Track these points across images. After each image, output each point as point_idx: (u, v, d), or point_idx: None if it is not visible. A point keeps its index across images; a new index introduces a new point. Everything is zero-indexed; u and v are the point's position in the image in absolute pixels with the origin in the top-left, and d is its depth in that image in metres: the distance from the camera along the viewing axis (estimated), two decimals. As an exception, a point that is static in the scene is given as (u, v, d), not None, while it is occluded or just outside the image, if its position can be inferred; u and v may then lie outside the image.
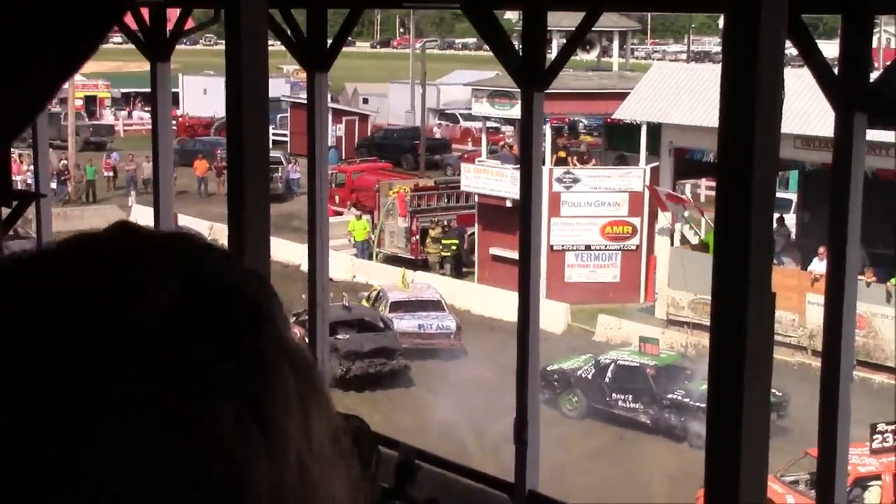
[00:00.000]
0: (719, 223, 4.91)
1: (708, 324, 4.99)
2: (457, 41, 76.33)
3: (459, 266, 25.13)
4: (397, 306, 20.37)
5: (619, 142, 24.82)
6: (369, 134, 39.93)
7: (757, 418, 4.73)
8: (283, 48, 10.34)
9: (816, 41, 7.01)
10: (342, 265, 23.47)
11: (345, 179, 30.06)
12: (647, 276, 22.44)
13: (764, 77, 4.51)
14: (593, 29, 12.10)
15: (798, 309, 18.58)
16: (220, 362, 0.48)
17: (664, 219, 21.63)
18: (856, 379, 8.10)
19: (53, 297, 0.49)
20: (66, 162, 32.48)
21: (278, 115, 37.00)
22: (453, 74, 45.68)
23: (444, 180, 28.86)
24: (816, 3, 7.56)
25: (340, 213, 27.58)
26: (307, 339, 11.17)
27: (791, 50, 6.67)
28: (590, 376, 17.33)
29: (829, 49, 7.36)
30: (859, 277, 8.67)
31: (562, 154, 24.18)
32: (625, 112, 22.93)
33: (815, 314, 16.22)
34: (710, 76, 19.08)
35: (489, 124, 27.50)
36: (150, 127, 11.93)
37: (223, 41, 7.13)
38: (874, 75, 7.01)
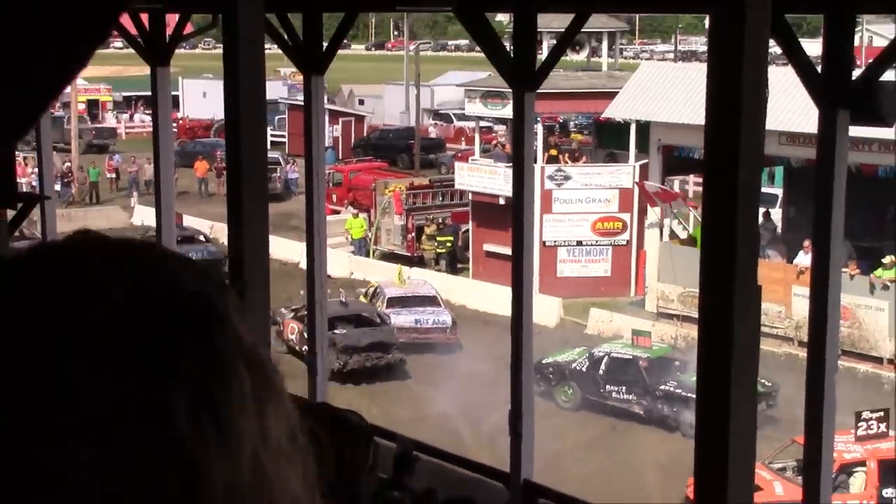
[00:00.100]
0: (706, 219, 4.92)
1: (697, 316, 5.01)
2: (450, 43, 76.30)
3: (454, 262, 25.13)
4: (394, 302, 20.37)
5: (608, 140, 24.83)
6: (365, 134, 39.89)
7: (744, 408, 4.74)
8: (279, 52, 10.32)
9: (800, 40, 7.01)
10: (340, 262, 23.46)
11: (342, 179, 30.03)
12: (637, 271, 22.46)
13: (749, 76, 4.52)
14: (582, 30, 12.11)
15: (784, 301, 18.61)
16: (176, 361, 0.48)
17: (653, 214, 21.64)
18: (841, 368, 8.12)
19: (11, 300, 0.49)
20: (69, 164, 32.43)
21: (276, 117, 36.93)
22: (447, 75, 45.65)
23: (438, 179, 28.85)
24: (799, 3, 7.56)
25: (338, 212, 27.57)
26: (306, 334, 11.16)
27: (775, 49, 6.68)
28: (584, 369, 17.35)
29: (813, 48, 7.37)
30: (843, 270, 8.69)
31: (553, 152, 24.17)
32: (614, 111, 22.93)
33: (800, 306, 16.25)
34: (697, 75, 19.09)
35: (482, 124, 27.51)
36: (151, 129, 11.90)
37: (221, 45, 7.12)
38: (856, 73, 7.02)
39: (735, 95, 4.53)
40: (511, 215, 8.64)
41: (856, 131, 7.15)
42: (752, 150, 4.61)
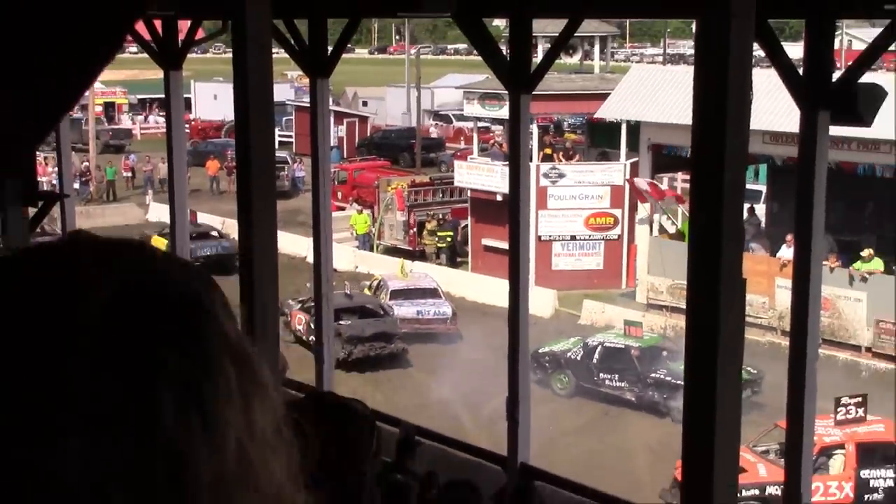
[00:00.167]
0: (694, 215, 4.92)
1: (685, 307, 5.01)
2: (449, 47, 76.14)
3: (454, 256, 25.13)
4: (397, 294, 20.38)
5: (600, 139, 24.82)
6: (369, 134, 39.86)
7: (730, 394, 4.75)
8: (287, 56, 10.31)
9: (782, 44, 7.00)
10: (345, 257, 23.46)
11: (346, 177, 30.03)
12: (628, 264, 22.47)
13: (734, 78, 4.51)
14: (576, 34, 12.09)
15: (768, 292, 18.62)
16: (164, 357, 0.48)
17: (643, 210, 21.64)
18: (821, 356, 8.12)
19: (3, 298, 0.49)
20: (87, 164, 32.42)
21: (284, 118, 36.91)
22: (446, 78, 45.58)
23: (438, 176, 28.85)
24: (782, 9, 7.55)
25: (343, 209, 27.55)
26: (313, 325, 11.16)
27: (759, 52, 6.66)
28: (578, 357, 17.38)
29: (794, 51, 7.35)
30: (824, 263, 8.69)
31: (548, 151, 24.16)
32: (606, 111, 22.92)
33: (783, 297, 16.26)
34: (685, 77, 19.08)
35: (480, 124, 27.48)
36: (164, 130, 11.89)
37: (231, 50, 7.11)
38: (836, 75, 7.01)
39: (721, 97, 4.53)
40: (508, 211, 8.64)
41: (836, 131, 7.14)
42: (737, 148, 4.61)
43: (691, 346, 4.85)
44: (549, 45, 9.86)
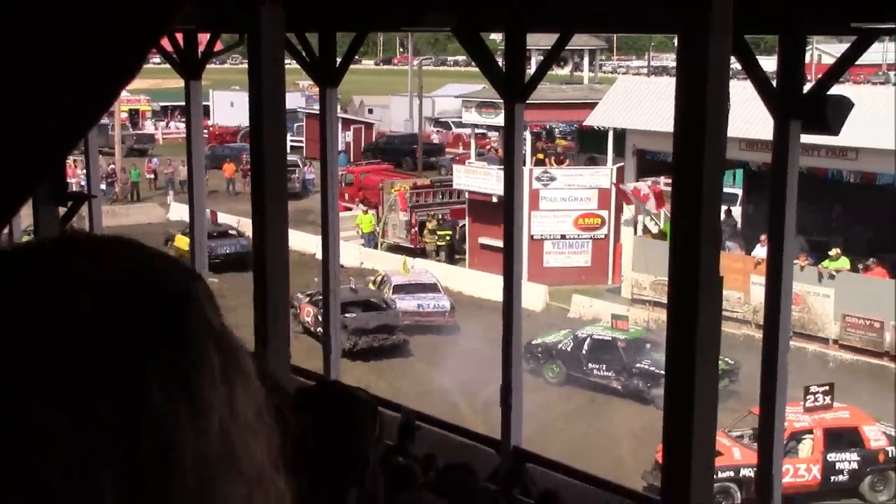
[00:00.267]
0: (675, 216, 4.92)
1: (666, 302, 5.01)
2: (449, 59, 76.02)
3: (452, 253, 25.12)
4: (399, 289, 20.37)
5: (589, 145, 24.81)
6: (374, 140, 39.81)
7: (707, 383, 4.75)
8: (298, 66, 10.29)
9: (757, 57, 6.99)
10: (351, 254, 23.44)
11: (353, 179, 29.99)
12: (614, 261, 22.46)
13: (712, 89, 4.51)
14: (566, 48, 12.06)
15: (743, 288, 18.62)
16: (151, 343, 0.48)
17: (628, 212, 21.64)
18: (792, 348, 8.12)
19: (2, 290, 0.48)
20: (113, 166, 32.42)
21: (295, 124, 36.86)
22: (446, 88, 45.52)
23: (438, 179, 28.81)
24: (757, 25, 7.54)
25: (350, 209, 27.52)
26: (321, 317, 11.14)
27: (736, 65, 6.65)
28: (569, 349, 17.39)
29: (769, 64, 7.34)
30: (795, 261, 8.68)
31: (540, 156, 24.15)
32: (594, 119, 22.91)
33: (757, 293, 16.26)
34: (668, 88, 19.03)
35: (477, 131, 27.45)
36: (185, 135, 11.88)
37: (247, 61, 7.10)
38: (807, 87, 7.00)
39: (700, 106, 4.52)
40: (503, 212, 8.63)
41: (806, 139, 7.13)
42: (715, 154, 4.61)
43: (672, 339, 4.85)
44: (541, 58, 9.84)
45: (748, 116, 16.57)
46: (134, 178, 32.62)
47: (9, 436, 0.45)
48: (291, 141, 32.84)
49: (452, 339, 19.12)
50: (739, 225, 21.24)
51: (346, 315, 17.29)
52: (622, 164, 22.35)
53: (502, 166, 9.42)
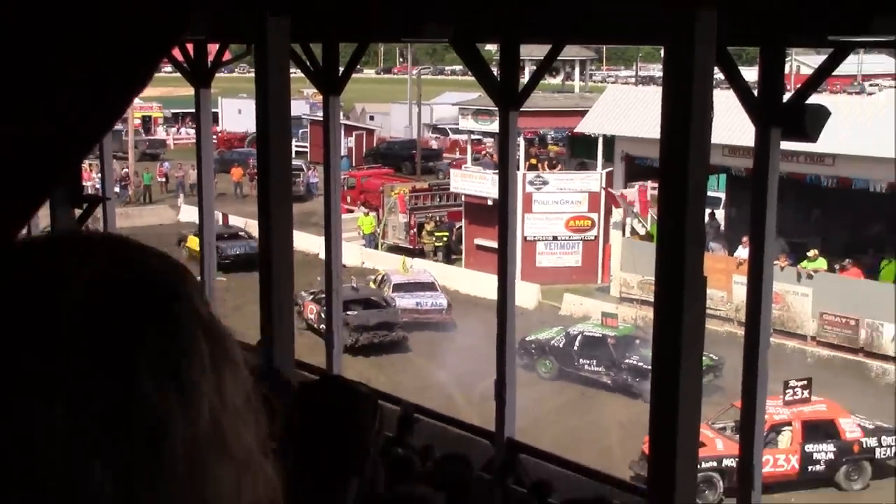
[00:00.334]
0: (661, 218, 4.93)
1: (653, 300, 5.01)
2: (446, 68, 75.95)
3: (449, 254, 25.12)
4: (399, 287, 20.36)
5: (580, 151, 24.82)
6: (375, 145, 39.80)
7: (691, 377, 4.75)
8: (303, 75, 10.28)
9: (739, 68, 6.99)
10: (353, 254, 23.43)
11: (355, 183, 29.95)
12: (603, 262, 22.46)
13: (697, 98, 4.51)
14: (558, 58, 12.06)
15: (726, 287, 18.64)
16: (142, 332, 0.47)
17: (617, 214, 21.65)
18: (772, 345, 8.12)
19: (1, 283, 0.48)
20: (127, 170, 32.41)
21: (300, 131, 36.84)
22: (444, 96, 45.53)
23: (436, 183, 28.80)
24: (739, 38, 7.54)
25: (351, 211, 27.49)
26: (324, 315, 11.12)
27: (719, 75, 6.65)
28: (561, 345, 17.40)
29: (750, 74, 7.34)
30: (775, 262, 8.70)
31: (533, 161, 24.15)
32: (585, 126, 22.92)
33: (739, 292, 16.29)
34: (655, 97, 19.06)
35: (473, 137, 27.44)
36: (194, 141, 11.86)
37: (254, 70, 7.09)
38: (786, 97, 7.01)
39: (685, 114, 4.52)
40: (497, 214, 8.63)
41: (786, 145, 7.14)
42: (699, 159, 4.61)
43: (658, 335, 4.85)
44: (534, 68, 9.85)
45: (731, 124, 16.59)
46: (146, 181, 32.60)
47: (4, 425, 0.44)
48: (296, 146, 32.88)
49: (449, 335, 19.11)
50: (723, 227, 21.26)
51: (348, 312, 17.27)
52: (611, 169, 22.37)
53: (497, 171, 9.41)
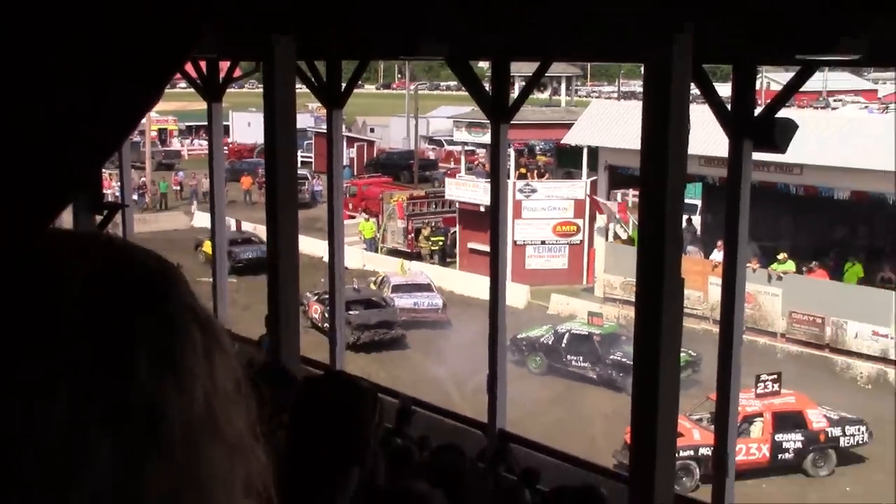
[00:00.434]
0: (641, 224, 4.93)
1: (634, 300, 5.01)
2: (442, 84, 75.95)
3: (445, 257, 25.10)
4: (397, 288, 20.34)
5: (566, 161, 24.85)
6: (375, 156, 39.78)
7: (670, 372, 4.75)
8: (307, 91, 10.27)
9: (714, 84, 7.01)
10: (355, 257, 23.39)
11: (356, 191, 29.93)
12: (588, 264, 22.48)
13: (674, 112, 4.52)
14: (546, 75, 12.07)
15: (702, 288, 18.67)
16: (137, 321, 0.47)
17: (601, 220, 21.67)
18: (745, 342, 8.13)
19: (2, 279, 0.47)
20: (144, 179, 32.34)
21: (305, 142, 36.78)
22: (439, 109, 45.52)
23: (432, 191, 28.78)
24: (713, 56, 7.56)
25: (353, 217, 27.46)
26: (327, 314, 11.10)
27: (695, 91, 6.67)
28: (550, 342, 17.41)
29: (724, 90, 7.36)
30: (748, 265, 8.69)
31: (523, 170, 24.17)
32: (571, 138, 22.95)
33: (715, 292, 16.31)
34: (636, 111, 19.05)
35: (467, 148, 27.46)
36: (207, 151, 11.84)
37: (262, 86, 7.08)
38: (758, 110, 7.02)
39: (664, 127, 4.53)
40: (489, 220, 8.62)
41: (758, 156, 7.15)
42: (677, 169, 4.61)
43: (639, 333, 4.85)
44: (524, 83, 9.85)
45: (706, 136, 16.62)
46: (162, 189, 32.56)
47: (11, 411, 0.44)
48: (301, 156, 32.79)
49: (445, 333, 19.10)
50: (699, 232, 21.30)
51: (350, 312, 17.25)
52: (595, 178, 22.40)
53: (489, 179, 9.41)
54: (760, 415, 13.79)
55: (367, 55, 10.31)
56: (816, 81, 39.94)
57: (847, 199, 18.64)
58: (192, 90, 11.64)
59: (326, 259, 10.58)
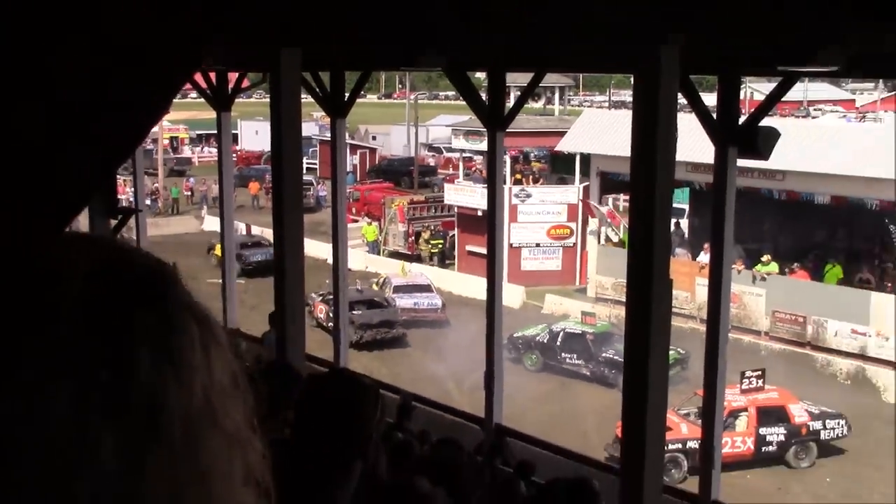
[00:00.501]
0: (632, 227, 4.92)
1: (625, 300, 5.00)
2: (441, 94, 75.98)
3: (444, 259, 25.10)
4: (398, 289, 20.33)
5: (560, 167, 24.88)
6: (377, 162, 39.78)
7: (659, 368, 4.74)
8: (312, 100, 10.27)
9: (700, 94, 7.02)
10: (358, 259, 23.38)
11: (359, 196, 29.95)
12: (581, 266, 22.48)
13: (663, 120, 4.52)
14: (540, 85, 12.08)
15: (690, 289, 18.68)
16: (138, 316, 0.47)
17: (593, 224, 21.69)
18: (730, 339, 8.13)
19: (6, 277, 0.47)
20: (157, 185, 32.36)
21: (310, 149, 36.77)
22: (438, 118, 45.55)
23: (432, 196, 28.80)
24: (700, 67, 7.57)
25: (356, 221, 27.46)
26: (331, 314, 11.09)
27: (682, 100, 6.67)
28: (545, 340, 17.41)
29: (710, 99, 7.37)
30: (733, 266, 8.70)
31: (518, 176, 24.19)
32: (564, 145, 22.96)
33: (702, 292, 16.32)
34: (626, 119, 19.10)
35: (465, 155, 27.47)
36: (217, 159, 11.84)
37: (269, 96, 7.07)
38: (742, 119, 7.03)
39: (653, 134, 4.53)
40: (486, 224, 8.62)
41: (742, 162, 7.16)
42: (665, 175, 4.61)
43: (629, 332, 4.85)
44: (519, 93, 9.87)
45: (693, 144, 16.64)
46: (174, 194, 32.56)
47: (13, 411, 0.44)
48: (306, 163, 32.78)
49: (443, 332, 19.09)
50: (686, 235, 21.31)
51: (354, 312, 17.24)
52: (588, 183, 22.40)
53: (486, 185, 9.41)
54: (745, 409, 13.79)
55: (369, 66, 10.31)
56: (797, 92, 40.00)
57: (827, 204, 18.66)
58: (202, 100, 11.64)
59: (331, 261, 10.58)
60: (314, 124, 41.52)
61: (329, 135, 10.22)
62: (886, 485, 13.25)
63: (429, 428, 6.87)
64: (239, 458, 0.50)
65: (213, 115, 11.38)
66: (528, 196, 23.11)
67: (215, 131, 11.76)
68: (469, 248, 23.59)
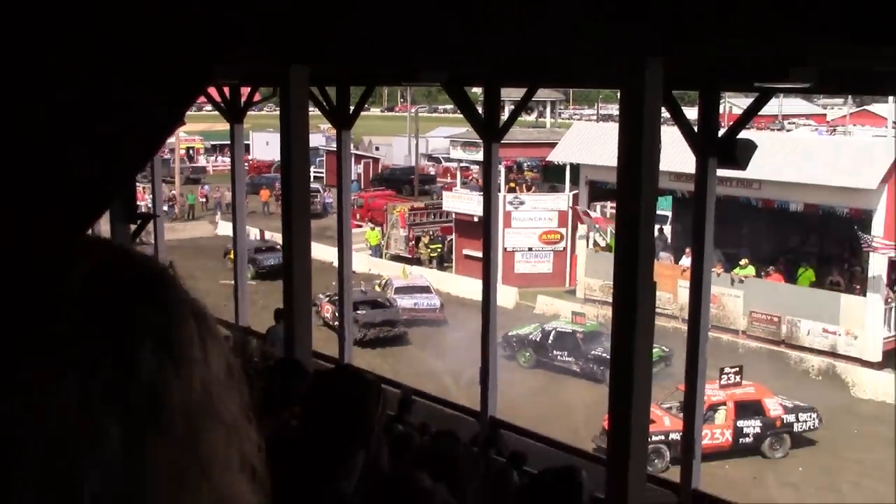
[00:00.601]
0: (618, 233, 4.92)
1: (612, 301, 5.00)
2: (440, 107, 75.99)
3: (442, 262, 25.10)
4: (399, 290, 20.32)
5: (551, 176, 24.90)
6: (380, 171, 39.80)
7: (643, 365, 4.74)
8: (319, 113, 10.28)
9: (682, 108, 7.03)
10: (362, 262, 23.37)
11: (363, 202, 29.92)
12: (570, 269, 22.49)
13: (647, 132, 4.52)
14: (533, 99, 12.09)
15: (672, 290, 18.69)
16: (138, 310, 0.46)
17: (582, 229, 21.71)
18: (710, 338, 8.13)
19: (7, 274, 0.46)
20: (173, 192, 32.36)
21: (317, 159, 36.80)
22: (437, 130, 45.57)
23: (431, 203, 28.80)
24: (682, 83, 7.59)
25: (360, 226, 27.44)
26: (337, 314, 11.08)
27: (665, 114, 6.67)
28: (538, 339, 17.42)
29: (691, 113, 7.38)
30: (713, 269, 8.72)
31: (512, 185, 24.21)
32: (555, 156, 22.99)
33: (683, 294, 16.32)
34: (613, 131, 19.09)
35: (462, 164, 27.49)
36: (230, 167, 11.84)
37: (279, 108, 7.07)
38: (721, 132, 7.04)
39: (638, 146, 4.53)
40: (482, 229, 8.62)
41: (721, 172, 7.17)
42: (649, 184, 4.62)
43: (616, 330, 4.85)
44: (513, 107, 9.88)
45: (675, 155, 16.63)
46: (190, 201, 32.55)
47: (25, 399, 0.43)
48: (314, 172, 32.74)
49: (442, 330, 19.08)
50: (669, 240, 21.33)
51: (358, 311, 17.23)
52: (577, 191, 22.42)
53: (482, 193, 9.41)
54: (724, 403, 13.80)
55: (372, 82, 10.32)
56: (773, 106, 40.09)
57: (800, 212, 18.71)
58: (216, 113, 11.65)
59: (336, 264, 10.57)
60: (321, 135, 41.52)
61: (335, 145, 10.22)
62: (854, 473, 13.27)
63: (428, 420, 6.86)
64: (236, 447, 0.49)
65: (226, 126, 11.37)
66: (522, 203, 23.12)
67: (229, 142, 11.75)
68: (466, 251, 23.58)
